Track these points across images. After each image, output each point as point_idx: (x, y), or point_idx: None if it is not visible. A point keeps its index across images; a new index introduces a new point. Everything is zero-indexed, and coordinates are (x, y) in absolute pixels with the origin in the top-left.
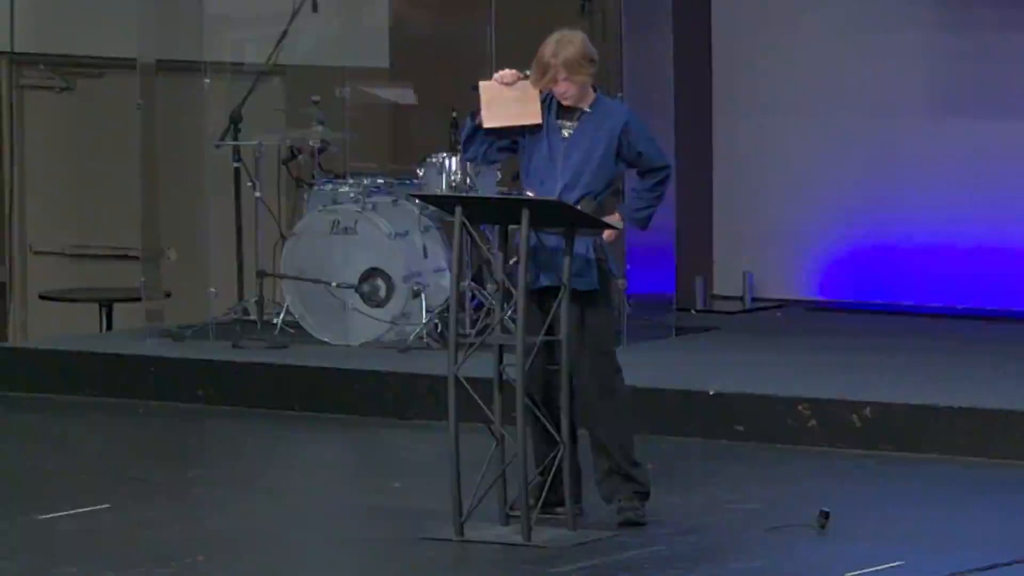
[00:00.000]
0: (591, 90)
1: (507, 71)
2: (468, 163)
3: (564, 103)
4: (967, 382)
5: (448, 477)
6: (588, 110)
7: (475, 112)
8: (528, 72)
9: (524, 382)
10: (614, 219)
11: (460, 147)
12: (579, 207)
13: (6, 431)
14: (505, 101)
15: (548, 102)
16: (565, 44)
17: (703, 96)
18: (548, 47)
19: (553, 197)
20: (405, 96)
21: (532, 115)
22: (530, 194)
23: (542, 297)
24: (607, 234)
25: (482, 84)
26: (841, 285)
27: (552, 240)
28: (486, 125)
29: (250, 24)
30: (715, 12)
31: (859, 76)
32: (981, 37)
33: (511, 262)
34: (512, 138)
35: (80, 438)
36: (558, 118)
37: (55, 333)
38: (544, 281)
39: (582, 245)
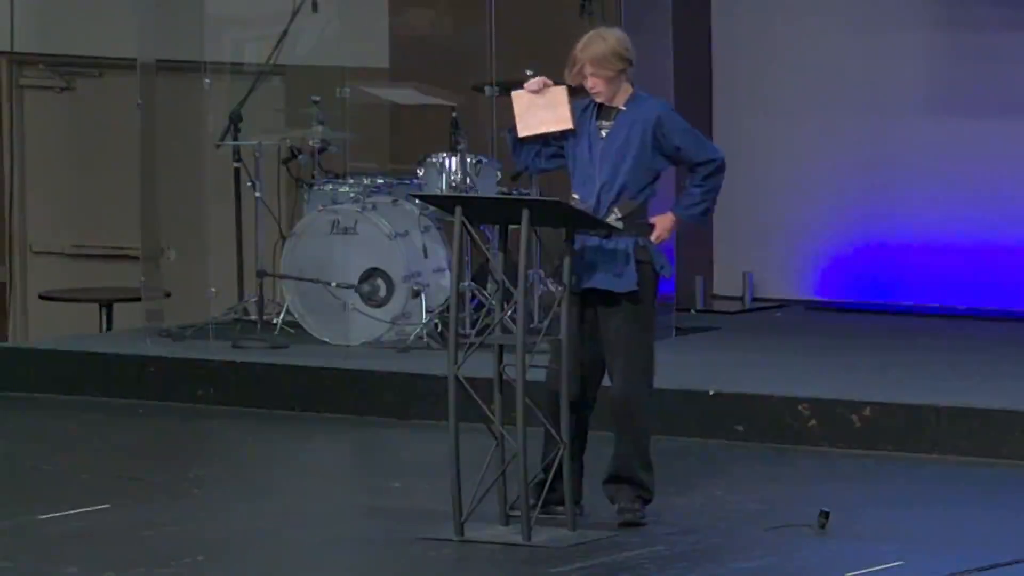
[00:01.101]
0: (628, 87)
1: (534, 79)
2: (524, 172)
3: (596, 100)
4: (967, 382)
5: (448, 477)
6: (623, 108)
7: (513, 126)
8: (530, 71)
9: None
10: (661, 221)
11: (512, 157)
12: (618, 207)
13: (6, 431)
14: (536, 109)
15: (591, 106)
16: (596, 40)
17: (703, 96)
18: (580, 42)
19: (592, 198)
20: (406, 96)
21: (563, 120)
22: (575, 196)
23: (586, 300)
24: (655, 235)
25: (514, 94)
26: (841, 285)
27: (592, 241)
28: (521, 135)
29: (250, 24)
30: (715, 12)
31: (859, 76)
32: (981, 37)
33: (557, 264)
34: (557, 145)
35: (80, 438)
36: (597, 119)
37: (55, 333)
38: (587, 283)
39: (623, 244)
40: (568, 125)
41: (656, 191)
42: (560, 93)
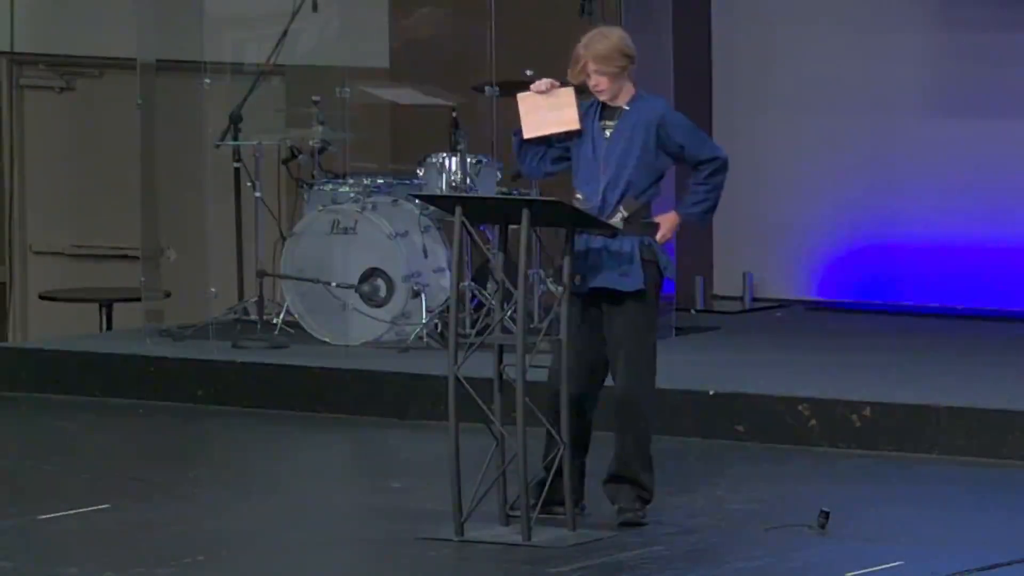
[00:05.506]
0: (630, 86)
1: (542, 81)
2: (527, 177)
3: (599, 98)
4: (967, 382)
5: (448, 477)
6: (627, 108)
7: (518, 128)
8: (530, 71)
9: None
10: (665, 220)
11: (516, 162)
12: (621, 207)
13: (6, 431)
14: (542, 110)
15: (594, 106)
16: (599, 37)
17: (703, 96)
18: (583, 40)
19: (596, 197)
20: (406, 96)
21: (569, 121)
22: (579, 196)
23: (592, 300)
24: (660, 234)
25: (519, 96)
26: (841, 285)
27: (597, 242)
28: (526, 136)
29: (250, 24)
30: (715, 12)
31: (859, 76)
32: (980, 37)
33: (558, 265)
34: (562, 147)
35: (80, 438)
36: (601, 119)
37: (55, 333)
38: (592, 283)
39: (628, 244)
40: (575, 126)
41: (660, 190)
42: (567, 94)
